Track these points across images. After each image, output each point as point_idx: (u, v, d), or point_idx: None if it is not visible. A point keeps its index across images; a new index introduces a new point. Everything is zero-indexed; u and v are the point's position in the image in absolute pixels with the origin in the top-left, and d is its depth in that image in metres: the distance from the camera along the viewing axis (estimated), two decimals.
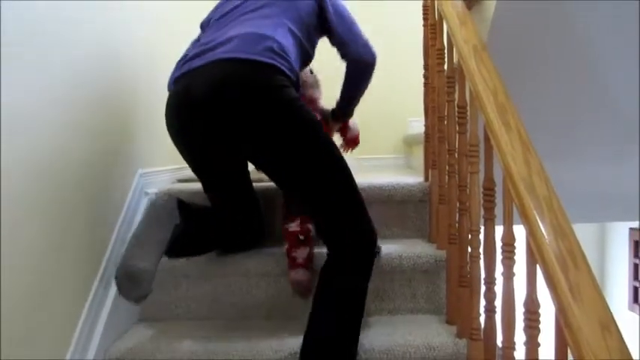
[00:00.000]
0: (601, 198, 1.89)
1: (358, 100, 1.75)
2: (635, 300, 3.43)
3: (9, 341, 1.07)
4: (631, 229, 3.43)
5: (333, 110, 1.80)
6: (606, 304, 0.77)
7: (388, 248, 1.70)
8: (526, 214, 0.91)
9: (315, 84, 1.98)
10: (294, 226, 1.62)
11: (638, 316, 3.30)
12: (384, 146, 2.92)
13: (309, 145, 1.34)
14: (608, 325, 0.74)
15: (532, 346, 0.97)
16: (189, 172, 2.26)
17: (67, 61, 1.32)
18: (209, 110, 1.34)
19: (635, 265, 3.44)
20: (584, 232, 3.88)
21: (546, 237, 0.86)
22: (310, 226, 1.64)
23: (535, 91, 1.73)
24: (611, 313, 0.76)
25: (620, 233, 3.56)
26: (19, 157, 1.10)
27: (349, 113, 1.79)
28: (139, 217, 1.75)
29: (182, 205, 1.45)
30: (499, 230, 1.16)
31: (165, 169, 2.04)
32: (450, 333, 1.50)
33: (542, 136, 1.66)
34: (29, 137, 1.14)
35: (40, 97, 1.18)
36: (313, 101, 1.87)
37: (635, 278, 3.43)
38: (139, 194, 1.78)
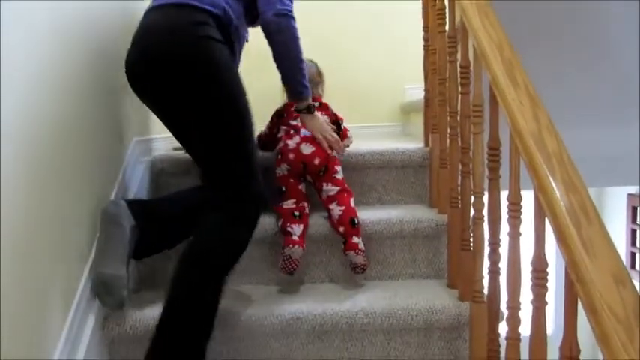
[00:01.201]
0: (601, 162, 1.87)
1: (297, 78, 1.51)
2: (633, 266, 3.46)
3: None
4: (629, 195, 3.43)
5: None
6: (620, 258, 0.75)
7: (389, 214, 1.69)
8: (535, 169, 0.89)
9: (319, 77, 1.95)
10: (289, 204, 1.63)
11: (637, 283, 3.34)
12: (380, 114, 2.88)
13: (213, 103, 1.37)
14: (623, 279, 0.72)
15: (539, 304, 0.96)
16: None
17: (56, 22, 1.27)
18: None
19: (633, 231, 3.45)
20: None
21: (557, 192, 0.84)
22: (304, 205, 1.64)
23: (534, 53, 1.70)
24: (624, 267, 0.74)
25: (617, 199, 3.56)
26: (6, 122, 1.07)
27: (297, 94, 1.55)
28: (134, 187, 1.72)
29: (133, 205, 1.41)
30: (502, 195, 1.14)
31: (161, 137, 2.00)
32: (452, 296, 1.50)
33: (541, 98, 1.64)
34: (19, 103, 1.10)
35: (28, 61, 1.14)
36: (323, 105, 1.85)
37: (633, 244, 3.45)
38: (134, 162, 1.75)
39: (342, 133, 1.88)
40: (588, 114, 1.74)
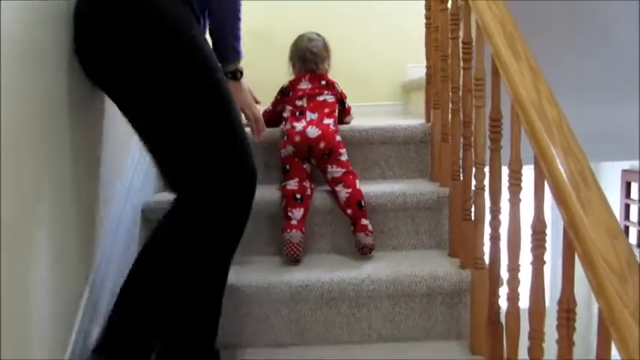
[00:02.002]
0: (599, 137, 1.93)
1: (228, 35, 1.36)
2: None
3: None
4: (623, 170, 3.52)
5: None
6: (615, 218, 0.81)
7: (392, 187, 1.75)
8: (536, 137, 0.94)
9: (326, 52, 1.95)
10: (292, 184, 1.66)
11: None
12: (382, 93, 2.92)
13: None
14: (616, 233, 0.78)
15: (538, 265, 1.02)
16: None
17: None
18: None
19: (627, 206, 3.55)
20: None
21: (557, 158, 0.89)
22: (307, 185, 1.68)
23: (535, 30, 1.74)
24: (619, 225, 0.80)
25: (612, 175, 3.65)
26: None
27: (225, 54, 1.39)
28: (145, 163, 1.77)
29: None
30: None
31: None
32: (454, 264, 1.56)
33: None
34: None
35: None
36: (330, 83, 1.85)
37: (627, 218, 3.54)
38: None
39: (345, 110, 1.93)
40: (588, 89, 1.79)
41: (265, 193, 1.69)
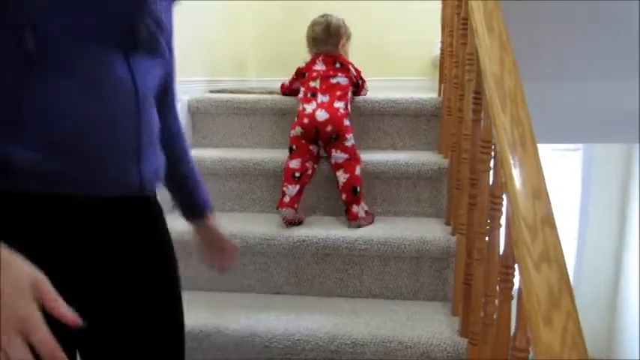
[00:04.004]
0: (604, 118, 1.93)
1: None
2: None
3: None
4: None
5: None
6: (543, 180, 0.89)
7: (396, 156, 1.84)
8: (492, 105, 1.02)
9: (335, 32, 1.94)
10: (294, 163, 1.74)
11: None
12: (410, 68, 2.97)
13: None
14: (540, 195, 0.86)
15: (495, 225, 1.11)
16: (223, 85, 2.43)
17: None
18: None
19: None
20: (609, 152, 3.90)
21: (504, 124, 0.97)
22: (309, 165, 1.75)
23: (534, 10, 1.75)
24: (545, 187, 0.88)
25: None
26: None
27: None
28: None
29: None
30: None
31: (198, 80, 2.20)
32: (446, 231, 1.65)
33: (543, 54, 1.71)
34: None
35: None
36: (344, 66, 1.88)
37: None
38: None
39: (359, 88, 1.98)
40: (590, 69, 1.80)
41: (273, 155, 1.83)
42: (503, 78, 1.04)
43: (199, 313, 1.53)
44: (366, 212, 1.72)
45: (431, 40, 2.91)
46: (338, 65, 1.88)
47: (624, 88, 1.77)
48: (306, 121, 1.76)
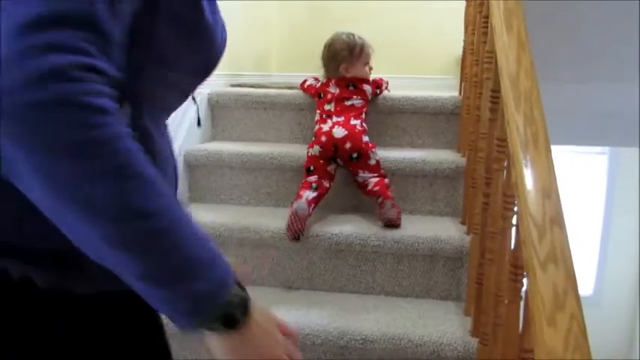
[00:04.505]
0: (607, 121, 1.89)
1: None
2: None
3: None
4: None
5: None
6: (554, 179, 0.88)
7: (413, 154, 1.83)
8: (507, 105, 1.01)
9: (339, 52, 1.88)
10: (311, 178, 1.71)
11: None
12: (435, 66, 2.95)
13: None
14: (550, 194, 0.85)
15: (506, 226, 1.10)
16: (243, 79, 2.44)
17: None
18: None
19: None
20: (635, 156, 3.81)
21: (517, 123, 0.96)
22: (326, 184, 1.70)
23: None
24: (556, 186, 0.87)
25: None
26: None
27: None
28: (190, 115, 1.95)
29: None
30: None
31: (218, 73, 2.22)
32: (461, 231, 1.64)
33: (549, 57, 1.68)
34: None
35: None
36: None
37: None
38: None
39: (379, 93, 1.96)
40: (593, 69, 1.76)
41: (290, 150, 1.84)
42: (519, 77, 1.03)
43: None
44: (397, 208, 1.66)
45: (456, 40, 2.89)
46: (352, 88, 1.86)
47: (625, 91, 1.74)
48: (323, 139, 1.74)
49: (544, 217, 0.82)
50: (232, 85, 2.31)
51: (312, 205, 1.63)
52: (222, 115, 2.10)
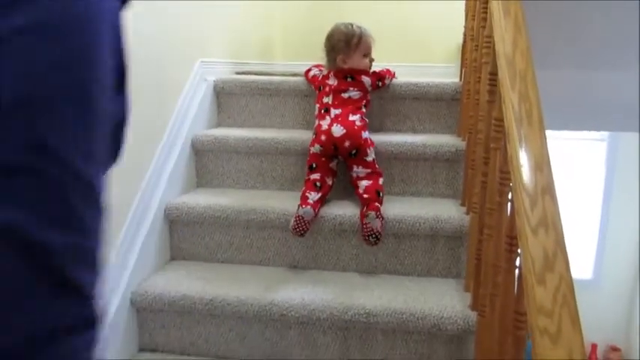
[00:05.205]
0: (606, 106, 1.93)
1: None
2: None
3: None
4: None
5: None
6: (546, 152, 0.93)
7: (414, 138, 1.88)
8: (502, 84, 1.06)
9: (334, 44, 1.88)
10: (314, 176, 1.75)
11: None
12: (437, 55, 3.00)
13: None
14: (542, 167, 0.90)
15: (502, 201, 1.15)
16: (248, 67, 2.49)
17: None
18: None
19: None
20: (634, 143, 3.85)
21: (513, 101, 1.01)
22: (328, 181, 1.74)
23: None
24: (548, 159, 0.92)
25: None
26: None
27: None
28: (197, 101, 2.01)
29: None
30: None
31: (224, 61, 2.27)
32: (460, 211, 1.69)
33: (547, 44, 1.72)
34: None
35: None
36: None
37: None
38: (199, 80, 2.03)
39: (381, 86, 1.97)
40: (593, 57, 1.81)
41: (295, 135, 1.89)
42: (515, 58, 1.08)
43: (221, 283, 1.61)
44: (382, 218, 1.64)
45: (458, 28, 2.94)
46: (349, 79, 1.86)
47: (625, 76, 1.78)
48: (323, 138, 1.76)
49: (536, 188, 0.87)
50: (237, 73, 2.36)
51: (318, 206, 1.67)
52: (227, 102, 2.15)
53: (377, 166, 1.77)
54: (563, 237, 0.81)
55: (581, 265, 4.02)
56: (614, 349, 4.22)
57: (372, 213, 1.61)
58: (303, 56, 2.58)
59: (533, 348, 0.72)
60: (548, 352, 0.69)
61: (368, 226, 1.60)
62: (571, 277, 0.77)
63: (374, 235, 1.59)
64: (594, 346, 4.20)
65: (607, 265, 3.98)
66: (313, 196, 1.68)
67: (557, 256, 0.78)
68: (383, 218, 1.62)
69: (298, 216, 1.62)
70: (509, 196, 1.12)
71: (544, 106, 1.03)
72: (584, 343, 0.72)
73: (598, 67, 1.86)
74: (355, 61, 1.88)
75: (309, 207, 1.63)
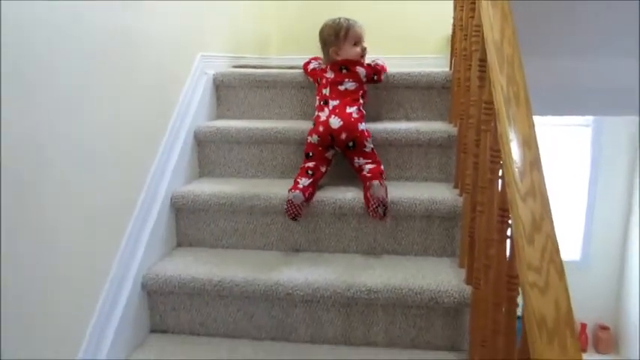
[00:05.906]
0: (604, 92, 2.03)
1: None
2: None
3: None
4: None
5: None
6: (533, 131, 1.02)
7: (408, 125, 1.97)
8: (491, 69, 1.15)
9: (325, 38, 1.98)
10: (309, 164, 1.84)
11: None
12: (426, 46, 3.09)
13: None
14: (530, 144, 0.99)
15: (494, 177, 1.24)
16: (245, 61, 2.57)
17: None
18: None
19: None
20: (618, 127, 3.96)
21: (502, 83, 1.10)
22: (322, 169, 1.83)
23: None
24: (535, 138, 1.01)
25: None
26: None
27: None
28: (198, 94, 2.08)
29: None
30: None
31: (223, 55, 2.35)
32: (454, 193, 1.78)
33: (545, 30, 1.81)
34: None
35: None
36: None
37: None
38: (199, 73, 2.10)
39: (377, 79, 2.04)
40: (591, 43, 1.90)
41: (293, 125, 1.97)
42: (502, 45, 1.17)
43: (229, 266, 1.69)
44: (385, 188, 1.73)
45: (446, 20, 3.03)
46: (344, 71, 1.94)
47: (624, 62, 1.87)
48: (321, 129, 1.84)
49: (525, 161, 0.96)
50: (235, 67, 2.43)
51: (309, 190, 1.75)
52: (226, 95, 2.22)
53: (376, 155, 1.86)
54: (549, 203, 0.90)
55: (570, 247, 4.16)
56: (603, 328, 4.36)
57: (376, 182, 1.70)
58: (297, 50, 2.66)
59: (524, 301, 0.81)
60: (538, 302, 0.78)
61: (374, 197, 1.67)
62: (556, 236, 0.86)
63: (381, 205, 1.67)
64: (584, 326, 4.34)
65: (595, 247, 4.11)
66: (304, 181, 1.76)
67: (544, 219, 0.87)
68: (386, 188, 1.71)
69: (289, 200, 1.70)
70: (500, 173, 1.22)
71: (531, 92, 1.12)
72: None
73: (585, 53, 1.94)
74: (346, 51, 1.98)
75: (297, 191, 1.70)
